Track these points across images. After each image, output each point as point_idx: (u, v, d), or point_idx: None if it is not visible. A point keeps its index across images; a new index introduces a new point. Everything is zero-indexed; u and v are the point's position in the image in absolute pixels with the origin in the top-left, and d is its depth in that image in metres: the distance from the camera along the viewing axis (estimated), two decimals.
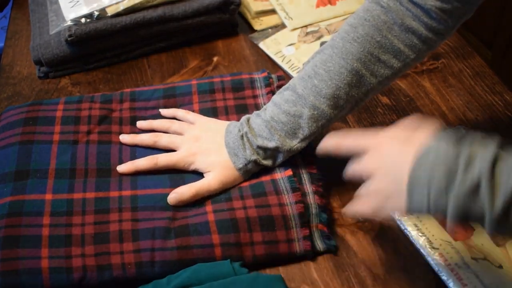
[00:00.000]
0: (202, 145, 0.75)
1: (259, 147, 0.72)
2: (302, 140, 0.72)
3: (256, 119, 0.74)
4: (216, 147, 0.74)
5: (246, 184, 0.73)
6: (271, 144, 0.71)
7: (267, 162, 0.73)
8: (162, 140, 0.77)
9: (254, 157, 0.72)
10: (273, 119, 0.72)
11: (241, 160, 0.72)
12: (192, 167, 0.74)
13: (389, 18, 0.68)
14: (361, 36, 0.69)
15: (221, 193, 0.72)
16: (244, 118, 0.75)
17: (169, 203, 0.71)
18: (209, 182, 0.72)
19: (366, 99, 0.73)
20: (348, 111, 0.73)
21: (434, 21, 0.68)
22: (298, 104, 0.71)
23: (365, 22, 0.69)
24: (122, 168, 0.75)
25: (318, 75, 0.70)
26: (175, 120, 0.81)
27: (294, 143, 0.72)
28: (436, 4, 0.66)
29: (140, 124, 0.81)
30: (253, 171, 0.73)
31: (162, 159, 0.75)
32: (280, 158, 0.73)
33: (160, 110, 0.82)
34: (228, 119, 0.80)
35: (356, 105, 0.73)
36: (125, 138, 0.79)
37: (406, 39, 0.69)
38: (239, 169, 0.72)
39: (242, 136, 0.73)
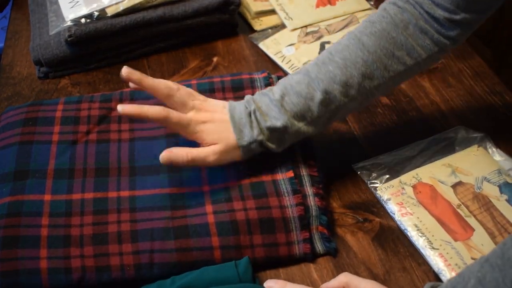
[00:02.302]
0: (213, 116, 0.72)
1: (267, 128, 0.71)
2: (308, 123, 0.71)
3: (262, 97, 0.73)
4: (224, 121, 0.72)
5: (247, 182, 0.72)
6: (279, 123, 0.70)
7: (272, 145, 0.72)
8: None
9: (260, 138, 0.71)
10: (284, 99, 0.71)
11: (246, 138, 0.71)
12: (197, 136, 0.71)
13: (405, 17, 0.72)
14: (378, 30, 0.72)
15: (222, 192, 0.72)
16: (248, 96, 0.74)
17: (161, 160, 0.68)
18: (207, 154, 0.70)
19: (375, 96, 0.74)
20: (355, 105, 0.73)
21: (443, 28, 0.71)
22: (310, 87, 0.71)
23: (383, 19, 0.72)
24: (126, 108, 0.69)
25: (333, 62, 0.71)
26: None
27: (301, 125, 0.71)
28: (444, 14, 0.70)
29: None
30: (253, 152, 0.72)
31: (175, 115, 0.70)
32: (285, 141, 0.72)
33: None
34: None
35: (365, 100, 0.74)
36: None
37: (419, 39, 0.72)
38: (242, 147, 0.71)
39: (250, 114, 0.72)
